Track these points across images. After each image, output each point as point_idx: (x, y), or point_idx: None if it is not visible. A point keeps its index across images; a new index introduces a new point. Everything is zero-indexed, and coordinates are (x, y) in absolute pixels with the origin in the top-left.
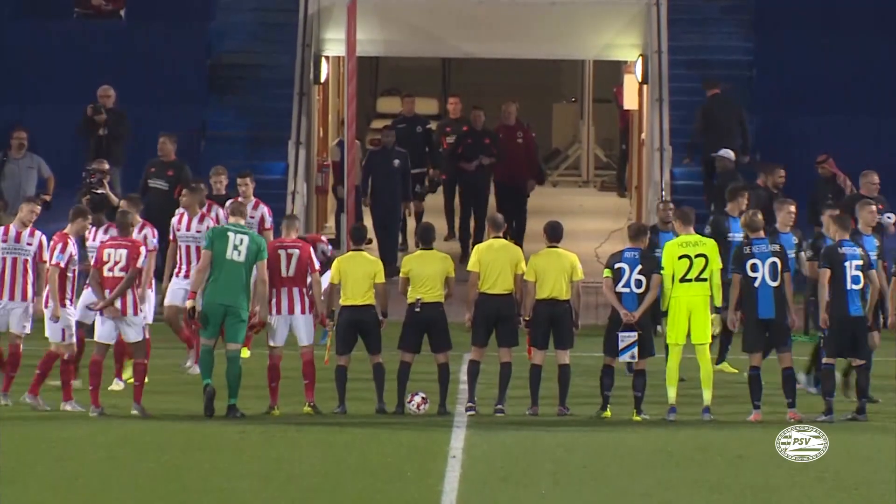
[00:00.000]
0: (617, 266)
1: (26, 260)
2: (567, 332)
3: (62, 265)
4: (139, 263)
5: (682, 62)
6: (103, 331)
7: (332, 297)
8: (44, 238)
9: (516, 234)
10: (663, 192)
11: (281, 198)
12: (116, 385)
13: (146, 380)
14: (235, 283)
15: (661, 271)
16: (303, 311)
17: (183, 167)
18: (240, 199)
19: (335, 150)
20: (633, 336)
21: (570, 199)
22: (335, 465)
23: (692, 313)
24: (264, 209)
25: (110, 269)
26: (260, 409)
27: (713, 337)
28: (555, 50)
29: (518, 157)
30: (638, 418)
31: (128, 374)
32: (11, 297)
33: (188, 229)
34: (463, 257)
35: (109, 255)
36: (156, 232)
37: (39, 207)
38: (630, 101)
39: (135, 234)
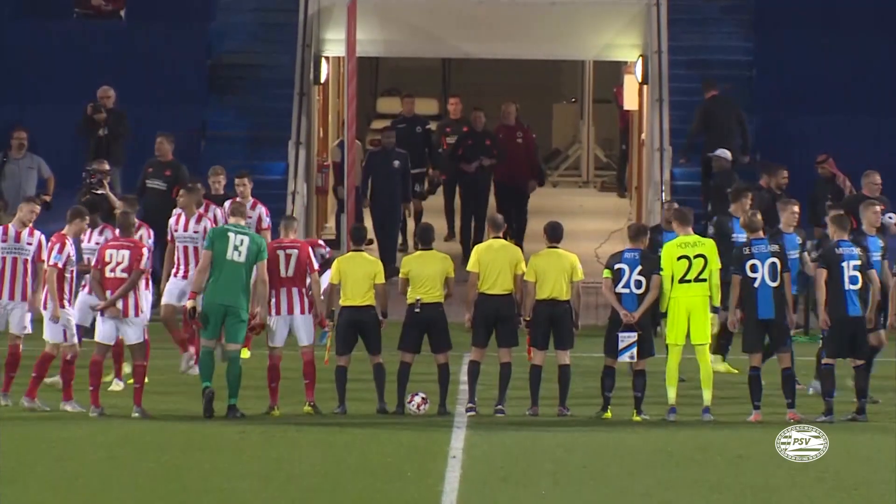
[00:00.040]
0: (617, 267)
1: (26, 260)
2: (567, 332)
3: (59, 265)
4: (143, 265)
5: (682, 62)
6: (104, 331)
7: (331, 297)
8: (43, 238)
9: (517, 235)
10: (663, 193)
11: (281, 198)
12: (116, 385)
13: (146, 380)
14: (236, 283)
15: (661, 272)
16: (302, 312)
17: (180, 167)
18: (238, 199)
19: (336, 150)
20: (633, 336)
21: (570, 200)
22: (335, 465)
23: (691, 314)
24: (262, 209)
25: (112, 270)
26: (260, 409)
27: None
28: (555, 50)
29: (518, 158)
30: (638, 418)
31: (126, 370)
32: (11, 297)
33: (185, 230)
34: (464, 258)
35: (112, 255)
36: (151, 232)
37: (39, 207)
38: (630, 102)
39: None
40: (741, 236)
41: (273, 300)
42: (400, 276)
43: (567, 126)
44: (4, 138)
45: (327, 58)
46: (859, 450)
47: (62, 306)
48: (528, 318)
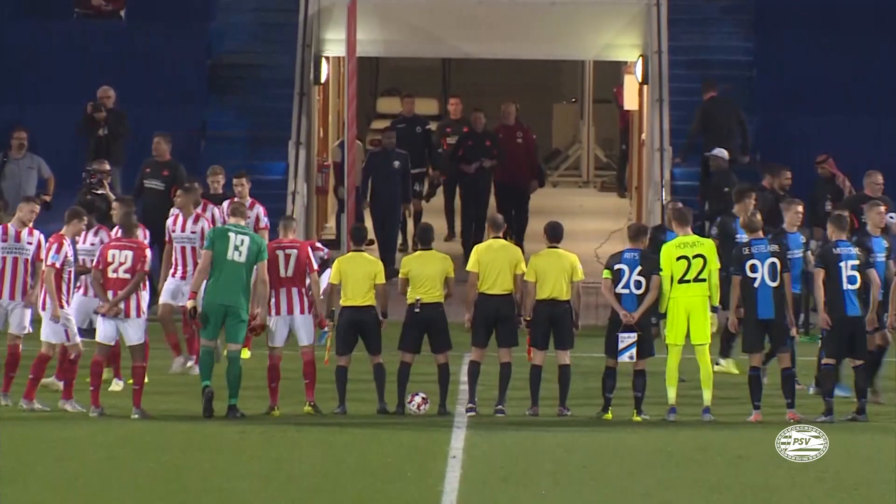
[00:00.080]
0: (616, 267)
1: (27, 259)
2: (567, 332)
3: (57, 265)
4: (147, 266)
5: (683, 62)
6: (105, 331)
7: (332, 297)
8: (42, 237)
9: (517, 235)
10: (663, 193)
11: (281, 198)
12: (116, 385)
13: (146, 380)
14: (236, 283)
15: (661, 272)
16: (302, 312)
17: (178, 167)
18: (236, 199)
19: (336, 150)
20: (633, 337)
21: (570, 200)
22: (335, 465)
23: (691, 314)
24: (260, 209)
25: (115, 271)
26: (260, 409)
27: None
28: (555, 50)
29: (518, 158)
30: (638, 419)
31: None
32: (12, 297)
33: (183, 230)
34: (465, 258)
35: (114, 255)
36: (147, 233)
37: (39, 207)
38: (630, 102)
39: None
40: (745, 237)
41: (273, 300)
42: (399, 276)
43: (567, 126)
44: (4, 138)
45: (327, 58)
46: (859, 450)
47: (61, 306)
48: (528, 319)
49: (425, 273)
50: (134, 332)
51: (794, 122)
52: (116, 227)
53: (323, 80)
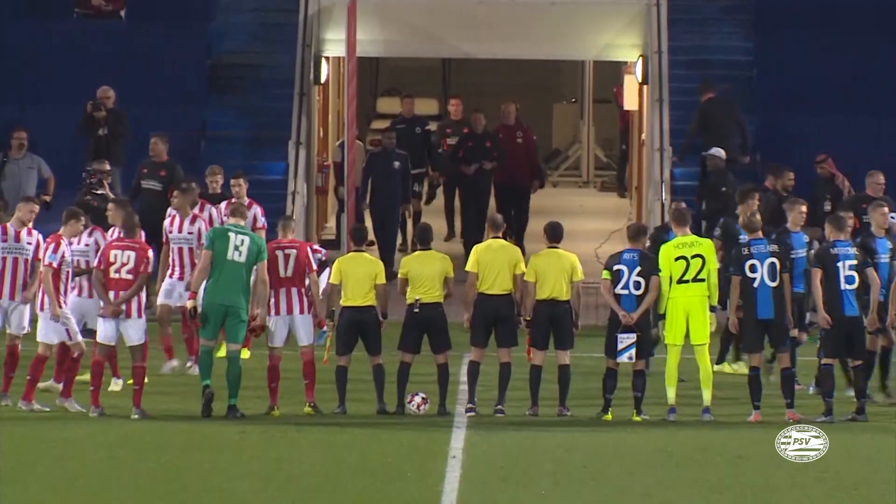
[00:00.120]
0: (616, 268)
1: (26, 259)
2: (567, 332)
3: (55, 265)
4: (150, 267)
5: (683, 62)
6: (105, 332)
7: (332, 297)
8: (41, 237)
9: (517, 235)
10: (663, 193)
11: (281, 198)
12: (115, 385)
13: (145, 380)
14: (236, 283)
15: (660, 273)
16: (301, 312)
17: (175, 167)
18: (234, 199)
19: (337, 150)
20: (632, 337)
21: (570, 200)
22: (335, 465)
23: (690, 314)
24: (257, 209)
25: (117, 271)
26: (260, 409)
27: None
28: (555, 50)
29: (518, 157)
30: (638, 419)
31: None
32: (12, 297)
33: (180, 231)
34: (465, 259)
35: (116, 256)
36: (143, 234)
37: (38, 207)
38: (630, 102)
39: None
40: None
41: (272, 300)
42: (399, 276)
43: (567, 126)
44: (4, 138)
45: (327, 58)
46: (859, 450)
47: (60, 306)
48: (528, 319)
49: (424, 273)
50: (134, 333)
51: (794, 122)
52: (112, 228)
53: (323, 80)
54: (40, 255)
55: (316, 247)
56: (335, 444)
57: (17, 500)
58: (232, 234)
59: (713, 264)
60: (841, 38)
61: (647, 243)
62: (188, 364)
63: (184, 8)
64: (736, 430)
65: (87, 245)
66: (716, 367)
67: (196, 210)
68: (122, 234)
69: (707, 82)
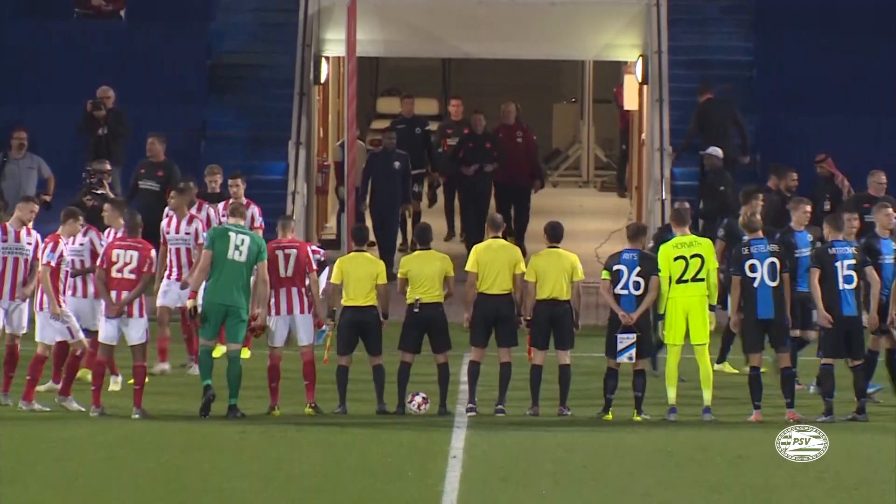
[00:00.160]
0: (615, 268)
1: (26, 259)
2: (567, 332)
3: (53, 264)
4: (154, 268)
5: (683, 62)
6: (107, 331)
7: (333, 296)
8: (39, 237)
9: (518, 235)
10: (663, 193)
11: (281, 198)
12: (114, 384)
13: (146, 380)
14: (236, 283)
15: (659, 273)
16: (302, 311)
17: (173, 167)
18: (231, 199)
19: (338, 150)
20: (632, 338)
21: (570, 200)
22: (335, 465)
23: (689, 314)
24: (255, 209)
25: (119, 271)
26: (260, 409)
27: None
28: (555, 50)
29: (518, 157)
30: (638, 418)
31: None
32: (12, 298)
33: (177, 232)
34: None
35: (119, 255)
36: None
37: (38, 206)
38: (630, 102)
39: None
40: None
41: (273, 300)
42: (399, 275)
43: (567, 126)
44: (4, 138)
45: (327, 58)
46: (859, 450)
47: (59, 305)
48: (528, 318)
49: (424, 273)
50: (136, 332)
51: (794, 122)
52: (108, 229)
53: (323, 79)
54: (39, 255)
55: (314, 247)
56: (335, 444)
57: (17, 500)
58: (232, 234)
59: (712, 264)
60: (841, 38)
61: (651, 244)
62: (188, 364)
63: (184, 8)
64: (736, 430)
65: (81, 245)
66: (716, 367)
67: (193, 210)
68: (124, 234)
69: (706, 83)
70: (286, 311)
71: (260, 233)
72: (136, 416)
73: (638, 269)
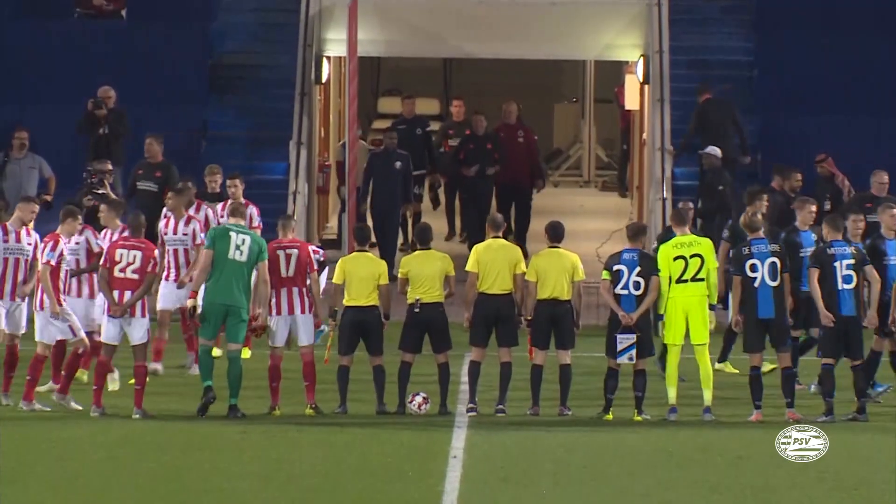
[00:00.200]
0: (615, 268)
1: (26, 260)
2: (568, 332)
3: (53, 264)
4: (158, 268)
5: (683, 62)
6: (109, 331)
7: (335, 296)
8: (38, 237)
9: (519, 234)
10: (664, 192)
11: (282, 198)
12: (112, 383)
13: (146, 380)
14: (237, 283)
15: (659, 273)
16: (303, 311)
17: (171, 168)
18: (230, 200)
19: (340, 150)
20: (632, 338)
21: (571, 199)
22: (335, 465)
23: (689, 314)
24: (253, 209)
25: (122, 270)
26: (261, 409)
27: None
28: (555, 50)
29: (519, 157)
30: (639, 418)
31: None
32: (12, 298)
33: (175, 232)
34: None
35: (122, 255)
36: None
37: (38, 206)
38: (631, 101)
39: (116, 237)
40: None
41: (273, 300)
42: (399, 275)
43: (568, 126)
44: (5, 138)
45: (328, 58)
46: (859, 450)
47: (59, 304)
48: (529, 318)
49: (425, 273)
50: (138, 332)
51: (794, 122)
52: (105, 230)
53: (324, 79)
54: (38, 255)
55: (314, 247)
56: (335, 444)
57: (17, 500)
58: (233, 234)
59: (712, 263)
60: (841, 38)
61: (654, 244)
62: (189, 364)
63: (184, 8)
64: (736, 430)
65: (77, 244)
66: (717, 366)
67: (191, 211)
68: (128, 234)
69: (705, 83)
70: (287, 312)
71: (258, 233)
72: (137, 416)
73: (638, 269)
